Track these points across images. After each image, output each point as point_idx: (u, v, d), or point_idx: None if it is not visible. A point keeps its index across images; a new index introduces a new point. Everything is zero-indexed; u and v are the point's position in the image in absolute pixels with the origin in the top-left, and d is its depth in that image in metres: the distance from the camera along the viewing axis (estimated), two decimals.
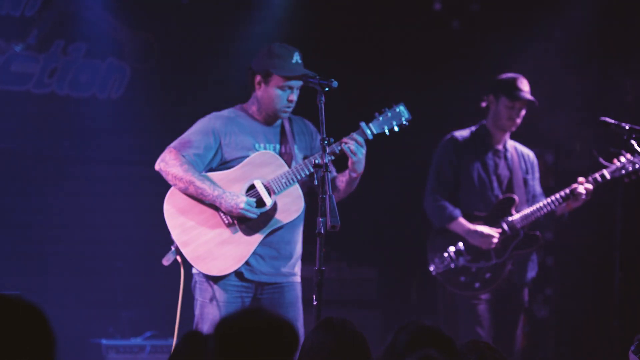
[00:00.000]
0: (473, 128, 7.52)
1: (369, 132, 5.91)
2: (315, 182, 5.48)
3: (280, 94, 5.97)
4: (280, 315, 3.15)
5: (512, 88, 7.35)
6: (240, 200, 5.83)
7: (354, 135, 5.88)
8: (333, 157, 5.87)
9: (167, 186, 6.07)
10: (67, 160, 8.78)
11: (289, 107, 6.01)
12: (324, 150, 5.45)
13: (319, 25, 9.14)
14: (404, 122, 6.01)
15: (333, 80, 5.59)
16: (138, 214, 8.64)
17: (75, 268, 8.69)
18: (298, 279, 6.18)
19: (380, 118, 5.94)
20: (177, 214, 5.97)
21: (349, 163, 5.88)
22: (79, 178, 8.77)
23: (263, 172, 5.93)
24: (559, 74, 9.10)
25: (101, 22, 8.77)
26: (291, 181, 5.90)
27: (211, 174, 5.99)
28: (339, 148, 5.83)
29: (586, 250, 9.15)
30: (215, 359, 3.07)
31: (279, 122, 6.12)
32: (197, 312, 6.07)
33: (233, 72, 8.89)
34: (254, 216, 5.86)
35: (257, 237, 5.92)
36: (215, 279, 5.97)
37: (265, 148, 6.03)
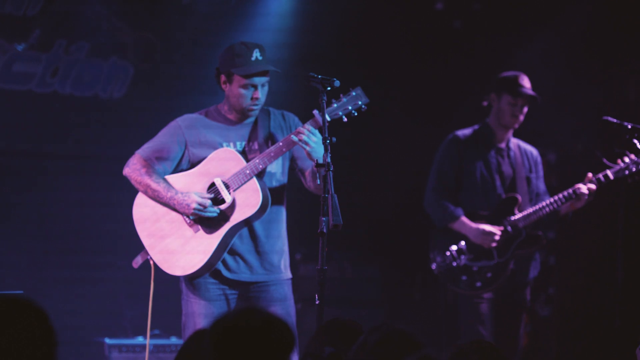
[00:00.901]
0: (476, 127, 7.52)
1: (320, 120, 5.72)
2: (318, 182, 5.47)
3: (244, 93, 5.96)
4: (276, 314, 3.16)
5: (514, 85, 7.36)
6: (191, 201, 5.89)
7: (306, 124, 5.81)
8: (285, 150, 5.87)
9: None
10: (69, 160, 8.79)
11: (255, 104, 5.99)
12: (326, 150, 5.44)
13: (321, 25, 9.14)
14: (362, 106, 5.85)
15: (335, 79, 5.57)
16: None
17: (78, 266, 8.70)
18: (285, 275, 6.14)
19: (335, 104, 5.83)
20: (143, 217, 6.07)
21: (305, 153, 5.78)
22: (81, 177, 8.78)
23: (223, 169, 5.93)
24: (561, 74, 9.10)
25: (103, 22, 8.78)
26: (248, 176, 5.88)
27: (173, 175, 6.04)
28: (295, 139, 5.80)
29: (589, 249, 9.15)
30: (211, 357, 3.08)
31: (251, 119, 6.10)
32: (183, 309, 6.12)
33: None
34: (211, 214, 5.90)
35: (219, 235, 5.92)
36: (195, 277, 6.01)
37: (234, 146, 6.02)
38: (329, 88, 5.58)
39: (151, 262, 6.05)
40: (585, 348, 9.10)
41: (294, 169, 6.13)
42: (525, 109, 7.38)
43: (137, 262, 6.11)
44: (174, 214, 5.99)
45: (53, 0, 8.58)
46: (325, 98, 5.57)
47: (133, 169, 6.05)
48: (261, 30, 8.95)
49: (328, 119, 5.76)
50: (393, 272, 9.44)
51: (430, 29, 9.43)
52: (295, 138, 5.75)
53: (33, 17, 8.54)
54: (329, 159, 5.40)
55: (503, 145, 7.48)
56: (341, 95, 5.84)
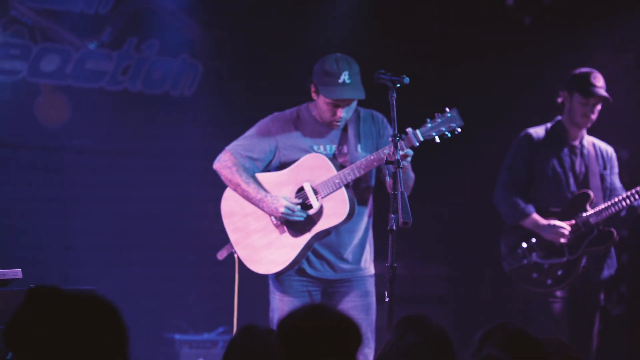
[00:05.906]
0: (548, 125, 7.44)
1: (415, 139, 5.70)
2: (388, 179, 5.46)
3: (329, 110, 5.99)
4: (343, 313, 3.16)
5: (585, 84, 7.25)
6: (279, 205, 5.95)
7: (400, 144, 5.60)
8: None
9: None
10: (140, 156, 8.87)
11: (338, 121, 6.01)
12: (396, 147, 5.41)
13: (391, 21, 9.12)
14: (456, 129, 5.72)
15: (405, 76, 5.53)
16: (211, 208, 8.69)
17: (150, 262, 8.78)
18: (368, 272, 6.19)
19: (429, 125, 5.72)
20: (231, 211, 6.18)
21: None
22: (152, 173, 8.85)
23: (313, 175, 5.97)
24: (635, 69, 8.97)
25: (174, 20, 8.84)
26: (338, 185, 5.89)
27: (262, 175, 6.11)
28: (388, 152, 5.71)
29: None
30: (278, 355, 3.09)
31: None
32: (271, 304, 6.20)
33: (304, 69, 8.90)
34: (298, 219, 5.95)
35: (304, 239, 5.98)
36: (280, 274, 6.08)
37: (324, 149, 6.05)
38: (398, 85, 5.54)
39: (235, 257, 6.17)
40: None
41: (380, 171, 6.11)
42: (598, 108, 7.27)
43: (222, 254, 6.25)
44: (260, 212, 6.06)
45: None
46: (394, 95, 5.53)
47: (223, 166, 6.14)
48: (331, 30, 8.96)
49: (421, 138, 5.70)
50: (462, 269, 9.39)
51: (501, 25, 9.35)
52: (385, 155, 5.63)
53: (104, 15, 8.63)
54: (398, 157, 5.37)
55: (577, 143, 7.38)
56: (436, 114, 5.73)
